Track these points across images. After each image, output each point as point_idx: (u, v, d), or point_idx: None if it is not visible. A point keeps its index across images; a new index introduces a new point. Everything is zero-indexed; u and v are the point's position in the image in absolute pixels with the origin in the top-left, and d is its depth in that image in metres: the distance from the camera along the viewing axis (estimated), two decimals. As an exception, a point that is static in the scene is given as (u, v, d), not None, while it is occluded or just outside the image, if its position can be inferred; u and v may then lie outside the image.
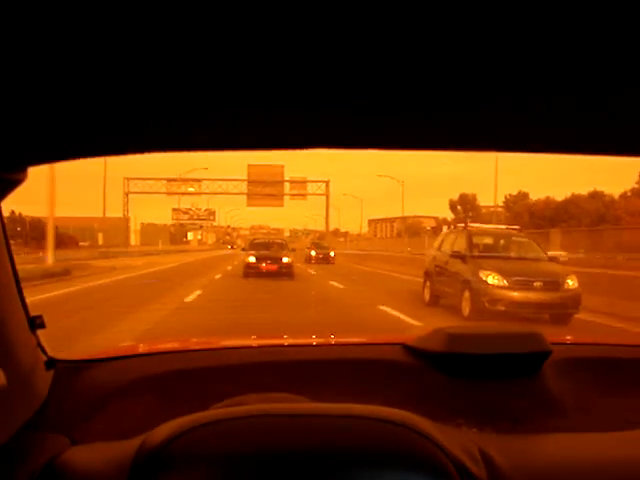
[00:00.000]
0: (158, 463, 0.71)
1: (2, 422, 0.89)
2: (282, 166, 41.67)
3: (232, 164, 64.10)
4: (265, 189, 41.29)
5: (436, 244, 13.17)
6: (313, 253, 32.34)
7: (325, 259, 31.67)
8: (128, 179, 45.67)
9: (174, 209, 54.29)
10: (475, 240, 11.93)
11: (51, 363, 1.09)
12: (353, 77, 0.59)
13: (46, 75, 0.57)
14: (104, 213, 41.45)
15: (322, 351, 1.46)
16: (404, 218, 60.53)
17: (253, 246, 22.66)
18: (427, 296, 12.32)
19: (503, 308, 9.86)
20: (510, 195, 53.46)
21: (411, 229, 56.60)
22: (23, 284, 1.01)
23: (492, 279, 10.23)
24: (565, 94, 0.63)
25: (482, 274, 10.32)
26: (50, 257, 21.71)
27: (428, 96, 0.64)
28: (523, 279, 10.19)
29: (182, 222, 57.74)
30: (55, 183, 22.80)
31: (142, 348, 1.50)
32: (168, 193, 47.67)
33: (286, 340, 1.67)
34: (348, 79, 0.59)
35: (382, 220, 76.52)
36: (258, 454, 0.71)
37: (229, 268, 24.88)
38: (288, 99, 0.64)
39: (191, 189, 46.62)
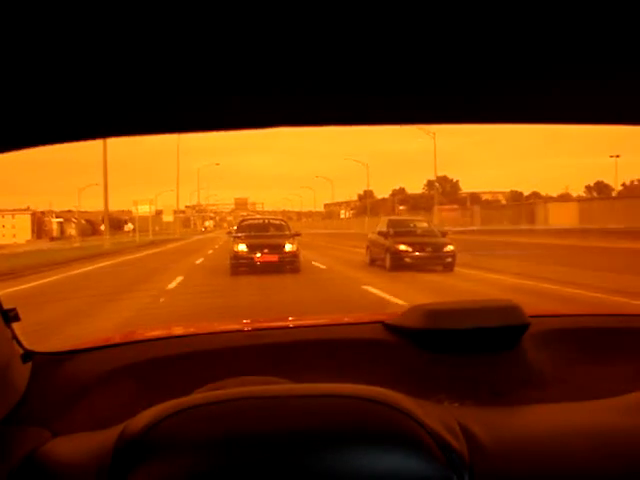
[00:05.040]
0: (138, 450, 0.69)
1: None
2: (247, 197, 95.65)
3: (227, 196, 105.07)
4: (240, 207, 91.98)
5: None
6: (403, 247, 14.23)
7: (433, 260, 14.01)
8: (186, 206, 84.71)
9: (187, 206, 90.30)
10: None
11: (28, 356, 1.06)
12: (340, 55, 0.58)
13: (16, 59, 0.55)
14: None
15: (303, 332, 1.46)
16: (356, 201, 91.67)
17: (243, 229, 15.81)
18: None
19: None
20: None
21: (330, 214, 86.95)
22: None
23: None
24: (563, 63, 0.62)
25: None
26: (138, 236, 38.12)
27: (421, 67, 0.63)
28: None
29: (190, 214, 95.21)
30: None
31: (121, 338, 1.47)
32: (204, 211, 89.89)
33: (267, 323, 1.66)
34: (336, 57, 0.59)
35: (334, 204, 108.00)
36: (238, 437, 0.70)
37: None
38: (269, 81, 0.64)
39: (213, 207, 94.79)
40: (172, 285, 11.75)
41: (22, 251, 28.24)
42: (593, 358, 1.30)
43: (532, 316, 1.31)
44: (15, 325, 1.03)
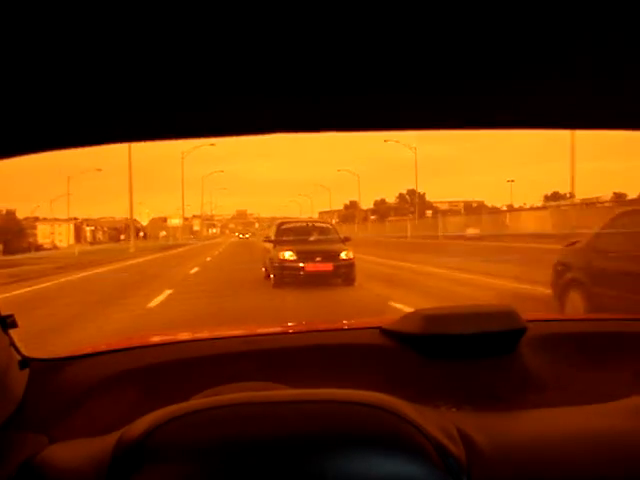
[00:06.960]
0: (136, 456, 0.68)
1: None
2: (246, 209, 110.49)
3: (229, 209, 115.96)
4: (240, 217, 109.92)
5: None
6: None
7: None
8: (194, 215, 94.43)
9: (194, 215, 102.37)
10: None
11: (25, 362, 1.04)
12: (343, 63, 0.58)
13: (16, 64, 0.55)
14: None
15: (300, 338, 1.45)
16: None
17: (283, 232, 13.04)
18: None
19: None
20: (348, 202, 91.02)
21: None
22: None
23: None
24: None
25: None
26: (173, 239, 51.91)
27: (423, 72, 0.63)
28: None
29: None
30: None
31: (119, 344, 1.45)
32: (210, 219, 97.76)
33: (265, 329, 1.67)
34: (337, 65, 0.59)
35: (327, 212, 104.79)
36: (236, 443, 0.69)
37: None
38: (268, 87, 0.64)
39: (218, 218, 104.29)
40: (218, 252, 27.39)
41: (111, 247, 40.84)
42: (591, 362, 1.29)
43: (529, 320, 1.31)
44: (12, 331, 1.02)
